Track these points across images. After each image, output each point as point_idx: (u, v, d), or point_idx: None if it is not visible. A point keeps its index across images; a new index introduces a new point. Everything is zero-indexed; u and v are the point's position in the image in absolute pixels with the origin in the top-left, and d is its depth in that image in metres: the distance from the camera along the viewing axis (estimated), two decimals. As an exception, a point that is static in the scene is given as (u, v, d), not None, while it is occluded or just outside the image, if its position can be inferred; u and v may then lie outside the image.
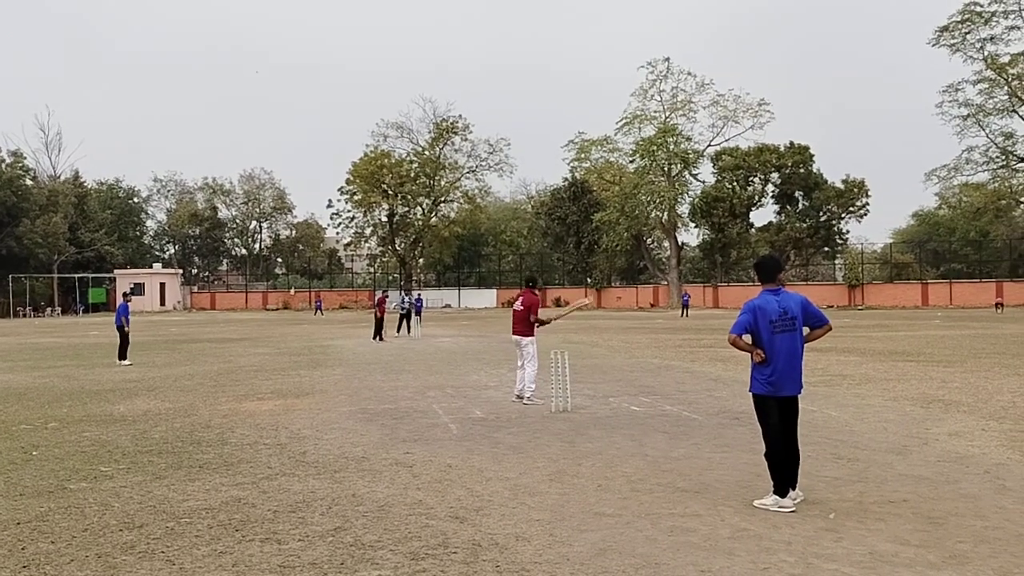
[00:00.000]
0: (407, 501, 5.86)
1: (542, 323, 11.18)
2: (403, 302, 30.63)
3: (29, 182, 68.00)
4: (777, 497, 5.57)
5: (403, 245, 75.10)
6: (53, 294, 67.65)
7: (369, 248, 79.73)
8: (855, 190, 66.85)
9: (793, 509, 5.48)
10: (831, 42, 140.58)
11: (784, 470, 5.62)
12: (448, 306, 70.02)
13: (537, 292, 11.48)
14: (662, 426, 8.97)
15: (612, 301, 69.43)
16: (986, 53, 57.56)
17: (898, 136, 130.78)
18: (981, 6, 56.43)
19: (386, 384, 13.40)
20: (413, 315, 29.97)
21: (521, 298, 11.28)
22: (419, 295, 42.68)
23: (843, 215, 68.12)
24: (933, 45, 59.02)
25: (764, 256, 6.49)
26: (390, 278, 77.65)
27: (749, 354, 5.72)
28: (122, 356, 18.02)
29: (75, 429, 9.24)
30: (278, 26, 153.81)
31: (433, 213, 73.86)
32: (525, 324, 11.00)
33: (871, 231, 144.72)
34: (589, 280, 71.52)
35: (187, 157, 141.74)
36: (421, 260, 79.98)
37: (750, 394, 5.85)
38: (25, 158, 68.15)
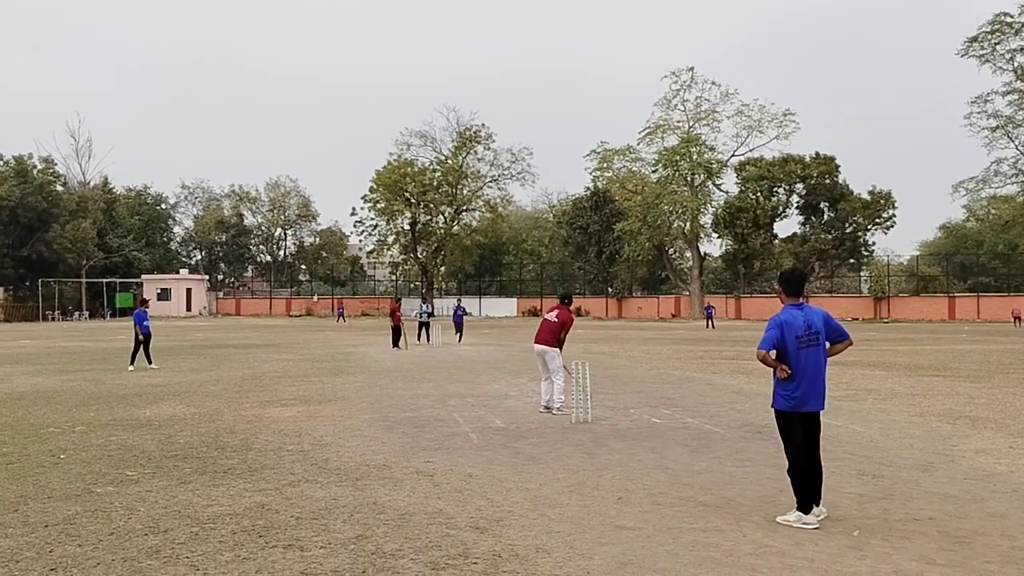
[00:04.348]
0: (428, 510, 5.88)
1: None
2: (423, 310, 30.69)
3: (59, 188, 69.10)
4: (800, 514, 5.52)
5: (425, 253, 75.40)
6: (81, 298, 68.59)
7: (391, 256, 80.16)
8: (882, 201, 66.05)
9: (817, 526, 5.44)
10: (858, 52, 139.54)
11: (808, 486, 5.58)
12: (468, 314, 70.07)
13: (571, 312, 11.36)
14: (683, 439, 8.93)
15: (633, 311, 69.18)
16: (1016, 64, 56.94)
17: (926, 147, 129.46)
18: (1011, 16, 55.83)
19: (407, 392, 13.45)
20: (455, 325, 29.12)
21: (557, 311, 11.13)
22: (460, 302, 38.19)
23: (869, 227, 67.28)
24: (962, 56, 58.48)
25: (791, 269, 6.33)
26: (412, 286, 78.01)
27: (774, 370, 5.69)
28: (132, 360, 18.12)
29: (102, 433, 9.37)
30: (303, 35, 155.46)
31: (455, 222, 74.12)
32: (553, 336, 10.91)
33: (897, 243, 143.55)
34: (610, 290, 71.34)
35: (214, 165, 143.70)
36: (443, 268, 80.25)
37: (772, 410, 5.82)
38: (56, 164, 69.38)
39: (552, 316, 11.12)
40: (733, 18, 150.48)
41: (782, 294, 5.86)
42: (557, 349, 10.90)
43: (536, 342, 11.10)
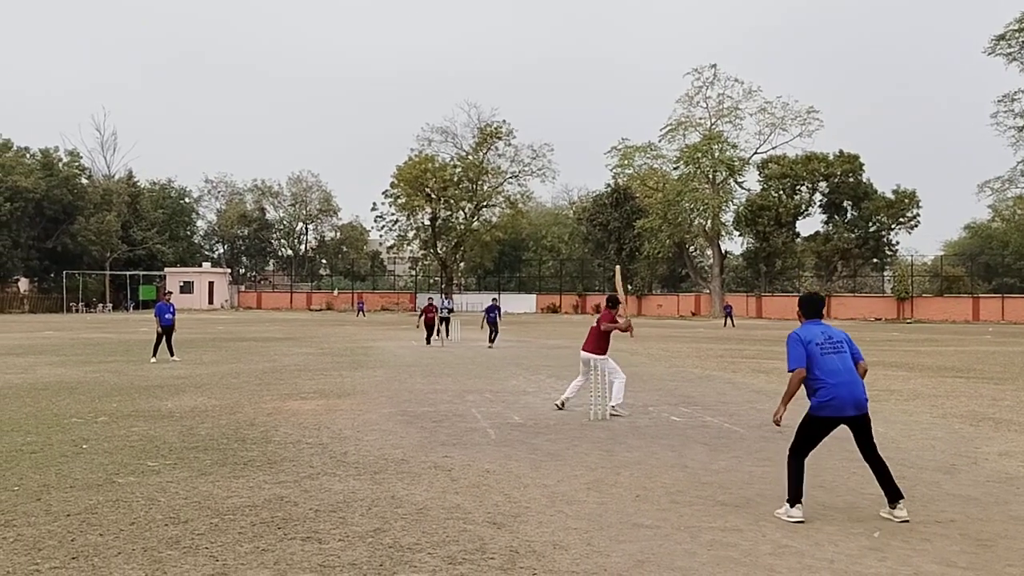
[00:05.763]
0: (445, 505, 5.89)
1: (620, 328, 10.69)
2: (443, 305, 30.70)
3: (84, 181, 69.82)
4: (788, 506, 5.62)
5: (445, 249, 75.53)
6: (105, 291, 69.42)
7: (411, 251, 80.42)
8: (906, 201, 65.26)
9: (801, 519, 5.50)
10: (884, 49, 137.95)
11: (801, 484, 5.63)
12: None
13: (612, 312, 11.03)
14: (702, 437, 8.88)
15: (653, 309, 68.92)
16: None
17: (952, 146, 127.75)
18: (1040, 14, 54.84)
19: (426, 387, 13.49)
20: (487, 323, 26.45)
21: (600, 316, 10.95)
22: (495, 300, 30.91)
23: (893, 226, 66.53)
24: (989, 54, 57.56)
25: (810, 294, 6.31)
26: (431, 281, 78.22)
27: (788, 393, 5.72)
28: (154, 352, 18.33)
29: (124, 424, 9.47)
30: (325, 31, 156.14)
31: (475, 217, 74.21)
32: (600, 342, 10.71)
33: (921, 243, 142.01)
34: (630, 287, 71.07)
35: (238, 159, 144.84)
36: (462, 264, 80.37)
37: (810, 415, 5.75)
38: (81, 157, 70.06)
39: (595, 321, 11.03)
40: (756, 14, 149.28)
41: (800, 317, 5.96)
42: (604, 356, 10.67)
43: (583, 349, 10.92)
